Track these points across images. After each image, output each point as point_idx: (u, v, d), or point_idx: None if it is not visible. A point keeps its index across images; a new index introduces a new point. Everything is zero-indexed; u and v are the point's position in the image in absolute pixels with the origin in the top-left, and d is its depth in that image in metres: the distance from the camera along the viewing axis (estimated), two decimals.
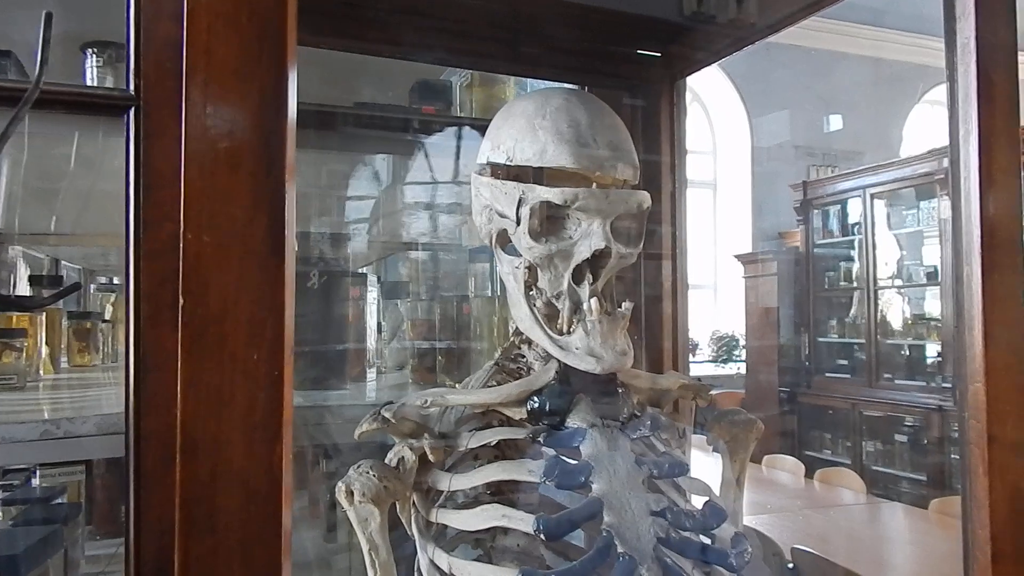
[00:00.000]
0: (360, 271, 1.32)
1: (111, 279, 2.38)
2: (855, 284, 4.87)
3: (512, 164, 0.65)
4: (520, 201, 0.64)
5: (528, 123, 0.64)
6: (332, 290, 1.29)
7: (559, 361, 0.64)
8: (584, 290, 0.64)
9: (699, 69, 0.98)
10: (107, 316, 2.12)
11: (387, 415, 0.65)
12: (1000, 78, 0.62)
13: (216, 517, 0.37)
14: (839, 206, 4.93)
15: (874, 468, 4.64)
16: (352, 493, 0.62)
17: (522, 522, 0.58)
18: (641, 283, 0.98)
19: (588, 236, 0.63)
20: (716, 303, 6.04)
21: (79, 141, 1.17)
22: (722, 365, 6.12)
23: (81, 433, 0.94)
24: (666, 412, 0.72)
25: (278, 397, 0.38)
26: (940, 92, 6.71)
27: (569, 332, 0.63)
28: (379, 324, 1.48)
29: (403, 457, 0.67)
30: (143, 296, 0.93)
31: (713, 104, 6.29)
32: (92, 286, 2.27)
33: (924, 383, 4.40)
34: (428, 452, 0.65)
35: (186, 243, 0.36)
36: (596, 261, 0.64)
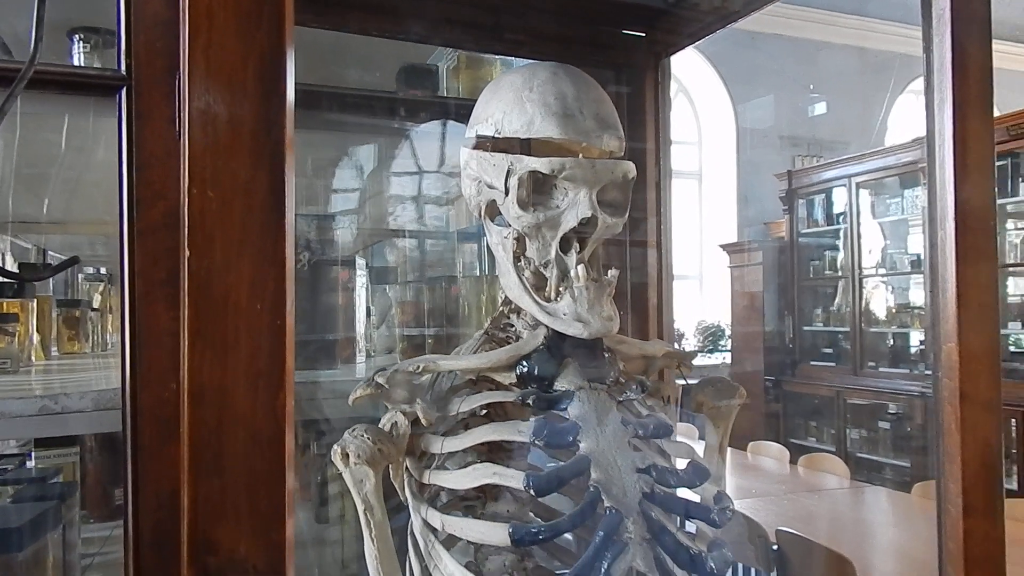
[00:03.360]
0: (348, 256, 1.33)
1: (98, 269, 2.37)
2: (840, 273, 4.94)
3: (500, 136, 0.67)
4: (508, 172, 0.65)
5: (516, 96, 0.65)
6: (321, 274, 1.30)
7: (547, 327, 0.66)
8: (571, 258, 0.65)
9: (684, 48, 1.00)
10: (95, 305, 2.12)
11: (380, 380, 0.67)
12: (974, 49, 0.64)
13: (223, 460, 0.38)
14: (824, 195, 4.98)
15: (859, 455, 4.72)
16: (347, 455, 0.64)
17: (513, 479, 0.60)
18: (627, 266, 1.01)
19: (575, 205, 0.65)
20: (702, 293, 6.09)
21: (69, 126, 1.17)
22: (708, 355, 6.19)
23: (78, 408, 0.95)
24: (652, 380, 0.74)
25: (280, 346, 0.39)
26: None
27: (557, 299, 0.65)
28: (368, 309, 1.49)
29: (396, 422, 0.68)
30: (137, 273, 0.94)
31: (698, 95, 6.32)
32: (80, 275, 2.27)
33: (908, 370, 4.47)
34: (420, 416, 0.66)
35: (191, 198, 0.38)
36: (582, 230, 0.66)
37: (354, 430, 0.66)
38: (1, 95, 0.75)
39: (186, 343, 0.38)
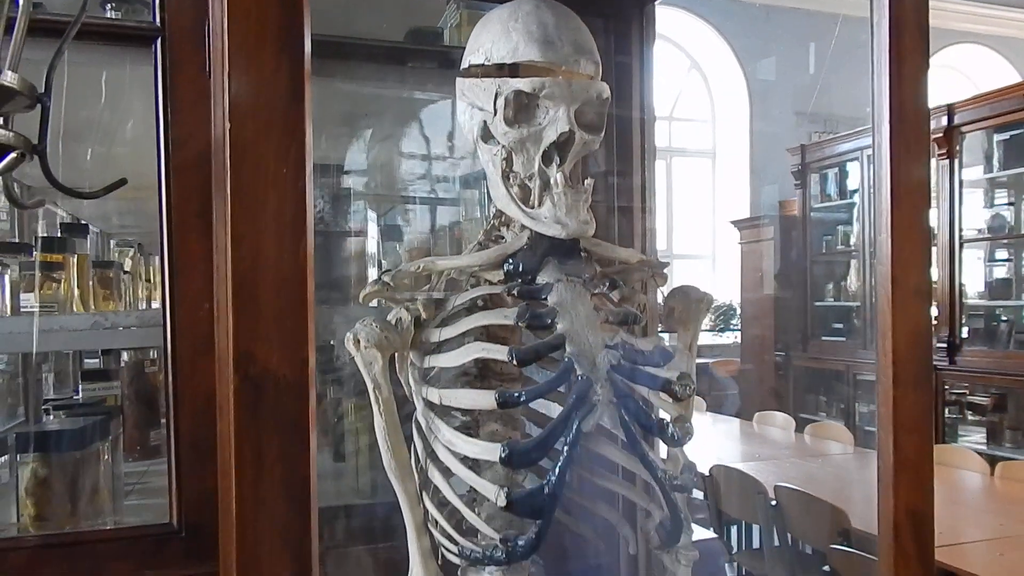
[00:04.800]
0: (359, 212, 1.43)
1: (127, 240, 2.50)
2: (852, 248, 4.95)
3: (490, 63, 0.76)
4: (496, 94, 0.75)
5: (503, 27, 0.75)
6: (334, 222, 1.41)
7: (531, 230, 0.75)
8: (552, 170, 0.75)
9: None
10: (127, 268, 2.26)
11: (386, 279, 0.77)
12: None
13: (257, 294, 0.48)
14: (837, 169, 4.99)
15: (867, 428, 4.76)
16: (359, 341, 0.74)
17: (499, 352, 0.70)
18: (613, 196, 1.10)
19: (554, 121, 0.74)
20: (714, 273, 6.13)
21: (107, 86, 1.27)
22: (719, 335, 6.24)
23: (125, 324, 1.07)
24: (628, 288, 0.83)
25: (301, 202, 0.49)
26: (946, 55, 6.71)
27: (539, 205, 0.75)
28: (379, 261, 1.59)
29: (400, 318, 0.78)
30: (173, 207, 1.06)
31: (712, 72, 6.32)
32: (112, 242, 2.40)
33: None
34: (421, 310, 0.77)
35: (229, 83, 0.47)
36: (563, 147, 0.76)
37: (364, 321, 0.76)
38: (54, 45, 0.85)
39: (229, 201, 0.48)
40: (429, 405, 0.77)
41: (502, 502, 0.67)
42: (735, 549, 3.01)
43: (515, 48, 0.73)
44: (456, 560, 0.77)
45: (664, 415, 0.72)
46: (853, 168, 4.91)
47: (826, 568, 2.31)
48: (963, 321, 4.25)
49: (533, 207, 0.75)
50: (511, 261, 0.75)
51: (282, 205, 0.49)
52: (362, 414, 1.42)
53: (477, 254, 0.76)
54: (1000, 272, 4.26)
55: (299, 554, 0.51)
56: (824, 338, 5.10)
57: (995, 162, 4.15)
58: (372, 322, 0.75)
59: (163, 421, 1.47)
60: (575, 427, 0.67)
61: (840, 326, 5.06)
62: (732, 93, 6.22)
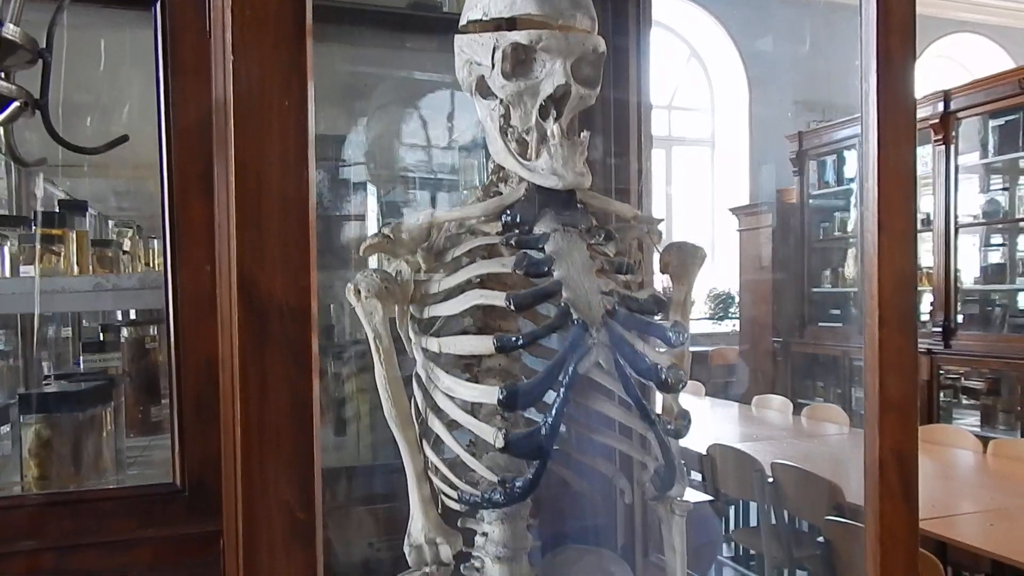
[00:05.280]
0: (360, 180, 1.44)
1: (126, 221, 2.50)
2: (850, 234, 4.97)
3: (488, 19, 0.77)
4: (494, 48, 0.76)
5: None
6: (335, 192, 1.42)
7: (528, 183, 0.77)
8: (549, 123, 0.76)
9: None
10: (126, 248, 2.26)
11: (387, 232, 0.78)
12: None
13: (261, 217, 0.50)
14: (834, 156, 5.01)
15: (863, 413, 4.78)
16: (359, 291, 0.76)
17: (496, 299, 0.71)
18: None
19: (551, 75, 0.75)
20: (713, 261, 6.15)
21: (106, 52, 1.28)
22: (718, 323, 6.26)
23: (127, 287, 1.08)
24: (624, 245, 0.85)
25: (303, 133, 0.50)
26: (945, 44, 6.71)
27: (536, 157, 0.76)
28: (379, 221, 1.60)
29: (400, 271, 0.80)
30: (175, 170, 1.07)
31: (711, 60, 6.32)
32: (111, 222, 2.41)
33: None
34: (421, 262, 0.78)
35: (234, 18, 0.49)
36: (560, 101, 0.77)
37: (364, 271, 0.77)
38: (54, 5, 0.86)
39: (233, 131, 0.49)
40: (428, 355, 0.78)
41: (500, 443, 0.69)
42: (732, 527, 3.04)
43: (512, 2, 0.74)
44: (456, 506, 0.79)
45: (658, 362, 0.73)
46: (850, 155, 4.92)
47: (820, 539, 2.34)
48: (958, 306, 4.28)
49: (530, 160, 0.76)
50: (509, 212, 0.77)
51: (285, 135, 0.50)
52: (364, 386, 1.43)
53: (475, 205, 0.78)
54: (995, 257, 4.29)
55: (303, 476, 0.52)
56: (821, 324, 5.13)
57: (990, 148, 4.16)
58: (372, 273, 0.77)
59: (164, 400, 1.48)
60: (571, 370, 0.68)
61: (837, 312, 5.09)
62: (731, 81, 6.22)
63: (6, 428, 1.38)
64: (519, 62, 0.76)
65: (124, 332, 1.67)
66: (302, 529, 0.52)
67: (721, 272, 5.88)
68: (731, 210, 5.58)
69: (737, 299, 5.90)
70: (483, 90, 0.80)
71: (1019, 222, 4.13)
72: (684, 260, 0.86)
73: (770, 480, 2.52)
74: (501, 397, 0.68)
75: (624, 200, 1.15)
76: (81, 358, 1.49)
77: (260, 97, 0.50)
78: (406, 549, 0.79)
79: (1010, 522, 2.00)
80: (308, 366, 0.52)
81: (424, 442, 0.79)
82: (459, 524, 0.83)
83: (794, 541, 2.58)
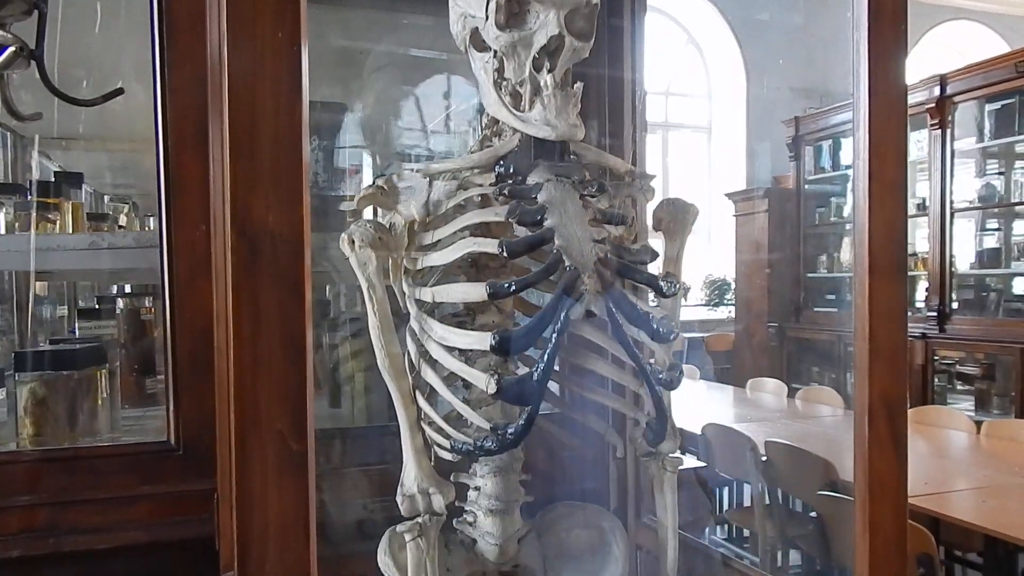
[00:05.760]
0: (355, 145, 1.44)
1: (121, 197, 2.49)
2: (846, 219, 4.97)
3: None
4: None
5: None
6: (328, 160, 1.42)
7: (522, 134, 0.77)
8: (543, 75, 0.76)
9: None
10: (122, 223, 2.25)
11: (381, 183, 0.78)
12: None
13: (254, 148, 0.50)
14: (831, 141, 5.00)
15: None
16: (353, 241, 0.76)
17: (489, 246, 0.71)
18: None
19: (545, 25, 0.75)
20: (709, 247, 6.15)
21: (101, 11, 1.26)
22: (714, 309, 6.28)
23: (122, 245, 1.08)
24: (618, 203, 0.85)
25: (297, 65, 0.50)
26: (941, 31, 6.69)
27: (530, 109, 0.76)
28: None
29: (394, 222, 0.80)
30: (170, 127, 1.07)
31: (708, 46, 6.30)
32: (106, 198, 2.40)
33: (910, 313, 4.54)
34: (415, 213, 0.78)
35: None
36: (553, 53, 0.77)
37: (358, 222, 0.77)
38: None
39: (226, 63, 0.49)
40: (422, 305, 0.79)
41: (492, 389, 0.69)
42: (725, 508, 3.07)
43: None
44: (448, 456, 0.80)
45: (650, 312, 0.74)
46: (847, 141, 4.92)
47: (813, 514, 2.36)
48: (953, 290, 4.29)
49: (524, 111, 0.76)
50: (502, 163, 0.77)
51: (277, 66, 0.50)
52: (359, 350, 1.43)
53: (469, 156, 0.78)
54: (990, 242, 4.30)
55: (296, 407, 0.53)
56: (816, 309, 5.14)
57: (986, 132, 4.17)
58: (366, 223, 0.77)
59: (160, 374, 1.49)
60: (563, 316, 0.69)
61: (832, 297, 5.10)
62: (728, 68, 6.20)
63: (1, 395, 1.38)
64: (513, 13, 0.76)
65: (119, 303, 1.68)
66: (296, 460, 0.53)
67: (717, 258, 5.90)
68: (727, 195, 5.58)
69: (733, 285, 5.92)
70: (477, 43, 0.80)
71: (1015, 206, 4.14)
72: (677, 216, 0.87)
73: (764, 459, 2.54)
74: (494, 342, 0.68)
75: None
76: (76, 324, 1.49)
77: (254, 27, 0.50)
78: (399, 499, 0.79)
79: (1002, 499, 2.02)
80: (301, 297, 0.52)
81: (417, 393, 0.79)
82: (452, 479, 0.84)
83: (787, 520, 2.61)
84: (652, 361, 0.79)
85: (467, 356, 0.75)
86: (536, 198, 0.74)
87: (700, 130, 6.49)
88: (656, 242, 0.88)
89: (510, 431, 0.71)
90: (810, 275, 5.23)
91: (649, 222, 0.91)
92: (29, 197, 1.54)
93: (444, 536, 0.88)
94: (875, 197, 0.69)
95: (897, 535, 0.69)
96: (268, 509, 0.52)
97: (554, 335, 0.69)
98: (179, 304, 1.04)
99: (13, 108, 0.87)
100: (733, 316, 5.85)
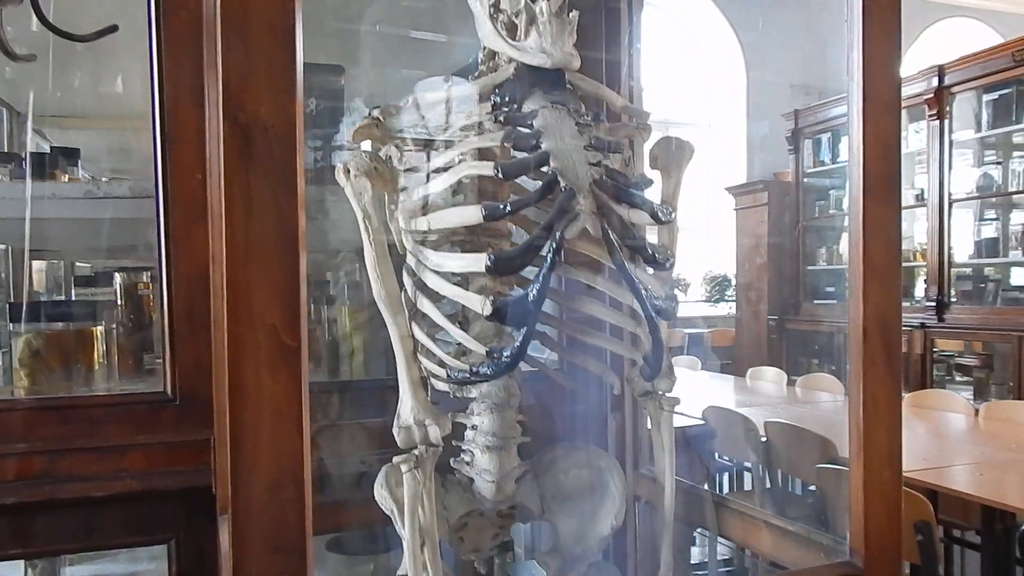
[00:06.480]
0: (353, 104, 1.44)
1: (118, 178, 2.49)
2: (845, 212, 4.97)
3: None
4: None
5: None
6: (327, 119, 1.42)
7: (518, 63, 0.77)
8: (539, 3, 0.76)
9: None
10: None
11: (376, 114, 0.78)
12: None
13: (248, 44, 0.50)
14: (830, 134, 5.01)
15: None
16: (349, 170, 0.76)
17: (485, 168, 0.71)
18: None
19: None
20: (709, 243, 6.15)
21: None
22: (714, 305, 6.28)
23: (118, 195, 1.08)
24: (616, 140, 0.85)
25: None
26: (940, 28, 6.71)
27: (526, 37, 0.76)
28: None
29: (390, 155, 0.80)
30: (166, 78, 1.06)
31: (708, 44, 6.31)
32: (104, 179, 2.40)
33: (908, 303, 4.55)
34: (411, 143, 0.78)
35: None
36: None
37: (354, 152, 0.77)
38: None
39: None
40: (418, 236, 0.79)
41: (488, 311, 0.69)
42: (727, 491, 3.06)
43: None
44: (444, 387, 0.79)
45: (646, 236, 0.74)
46: (847, 136, 4.92)
47: (812, 487, 2.36)
48: (952, 281, 4.29)
49: (519, 40, 0.76)
50: (497, 92, 0.77)
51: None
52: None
53: (464, 85, 0.78)
54: (988, 231, 4.30)
55: (289, 301, 0.53)
56: (816, 301, 5.14)
57: (984, 122, 4.17)
58: (361, 153, 0.77)
59: (158, 350, 1.48)
60: (558, 236, 0.69)
61: (832, 289, 5.10)
62: (728, 65, 6.21)
63: None
64: None
65: (117, 278, 1.67)
66: (288, 355, 0.52)
67: (718, 254, 5.90)
68: (727, 189, 5.59)
69: (734, 281, 5.92)
70: None
71: (1012, 195, 4.14)
72: (673, 153, 0.87)
73: (763, 439, 2.53)
74: (489, 262, 0.68)
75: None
76: (73, 291, 1.49)
77: None
78: (395, 431, 0.79)
79: (999, 472, 2.02)
80: (293, 189, 0.52)
81: (414, 325, 0.79)
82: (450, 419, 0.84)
83: (787, 503, 2.60)
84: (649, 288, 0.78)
85: (463, 281, 0.75)
86: (531, 124, 0.74)
87: (700, 127, 6.50)
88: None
89: (505, 354, 0.71)
90: (809, 268, 5.23)
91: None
92: (24, 166, 1.54)
93: (441, 476, 0.88)
94: (868, 119, 0.69)
95: (891, 455, 0.69)
96: (262, 401, 0.52)
97: (550, 255, 0.69)
98: (175, 254, 1.03)
99: (7, 47, 0.87)
100: (734, 312, 5.86)
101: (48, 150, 1.83)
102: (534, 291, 0.69)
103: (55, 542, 1.02)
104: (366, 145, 0.83)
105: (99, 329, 1.17)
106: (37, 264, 1.87)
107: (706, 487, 1.03)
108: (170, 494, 1.01)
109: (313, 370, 1.27)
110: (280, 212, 0.52)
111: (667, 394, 0.88)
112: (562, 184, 0.70)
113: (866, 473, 0.67)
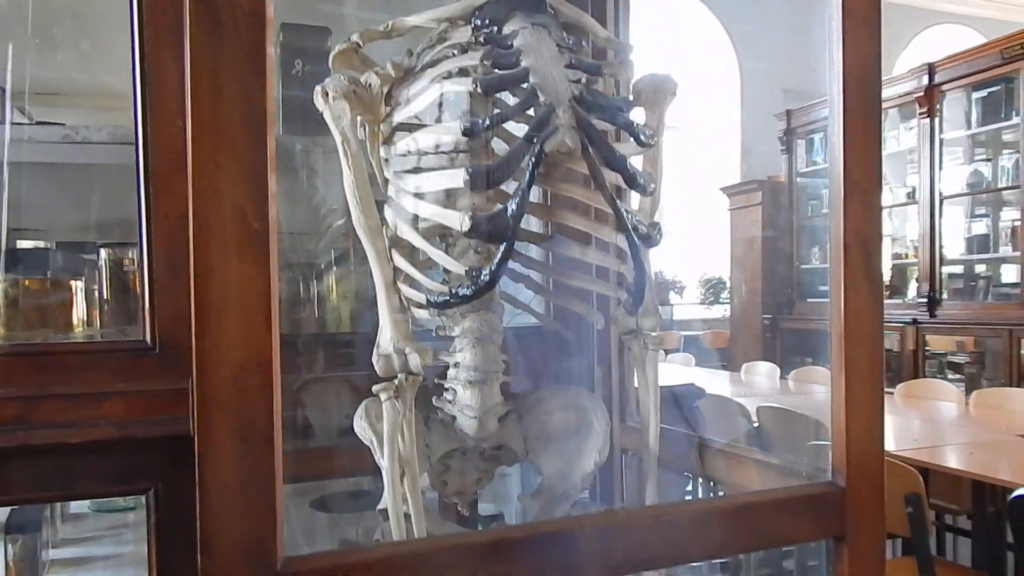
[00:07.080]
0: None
1: None
2: None
3: None
4: None
5: None
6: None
7: None
8: None
9: None
10: None
11: (356, 39, 0.78)
12: None
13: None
14: (822, 134, 5.04)
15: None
16: (327, 93, 0.75)
17: (464, 84, 0.71)
18: None
19: None
20: (704, 245, 6.16)
21: None
22: (709, 307, 6.29)
23: (97, 140, 1.07)
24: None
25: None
26: (930, 35, 6.78)
27: None
28: None
29: (371, 83, 0.80)
30: (145, 24, 1.06)
31: (702, 48, 6.36)
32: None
33: (901, 300, 4.56)
34: (391, 69, 0.78)
35: None
36: None
37: (333, 75, 0.77)
38: None
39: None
40: (398, 160, 0.78)
41: (466, 226, 0.68)
42: None
43: None
44: (425, 314, 0.78)
45: (628, 154, 0.73)
46: None
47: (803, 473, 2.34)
48: (943, 278, 4.31)
49: None
50: (478, 14, 0.77)
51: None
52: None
53: (444, 8, 0.77)
54: (979, 228, 4.32)
55: (257, 183, 0.52)
56: (809, 300, 5.15)
57: (974, 120, 4.20)
58: (341, 75, 0.76)
59: (142, 328, 1.46)
60: (538, 149, 0.68)
61: (825, 288, 5.09)
62: (722, 70, 6.26)
63: None
64: None
65: (103, 253, 1.66)
66: (256, 239, 0.51)
67: (712, 256, 5.91)
68: (721, 189, 5.62)
69: (728, 283, 5.93)
70: None
71: (1002, 192, 4.16)
72: (657, 87, 0.86)
73: (755, 424, 2.53)
74: (467, 177, 0.68)
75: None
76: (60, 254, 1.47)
77: None
78: (374, 359, 0.78)
79: (989, 452, 2.01)
80: (262, 71, 0.51)
81: (394, 252, 0.78)
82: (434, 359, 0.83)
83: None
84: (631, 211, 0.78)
85: (442, 197, 0.74)
86: (512, 44, 0.74)
87: (694, 128, 6.53)
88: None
89: (484, 273, 0.70)
90: (803, 266, 5.24)
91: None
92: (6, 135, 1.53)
93: (423, 414, 0.87)
94: (848, 33, 0.68)
95: (872, 376, 0.68)
96: (228, 285, 0.51)
97: (529, 168, 0.68)
98: (155, 199, 1.02)
99: None
100: (728, 315, 5.87)
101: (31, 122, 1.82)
102: (513, 205, 0.68)
103: (30, 490, 1.00)
104: None
105: (79, 283, 1.16)
106: (21, 244, 1.85)
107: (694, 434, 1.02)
108: (150, 443, 1.00)
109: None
110: (248, 95, 0.51)
111: (651, 333, 0.88)
112: (542, 99, 0.70)
113: (847, 392, 0.66)
